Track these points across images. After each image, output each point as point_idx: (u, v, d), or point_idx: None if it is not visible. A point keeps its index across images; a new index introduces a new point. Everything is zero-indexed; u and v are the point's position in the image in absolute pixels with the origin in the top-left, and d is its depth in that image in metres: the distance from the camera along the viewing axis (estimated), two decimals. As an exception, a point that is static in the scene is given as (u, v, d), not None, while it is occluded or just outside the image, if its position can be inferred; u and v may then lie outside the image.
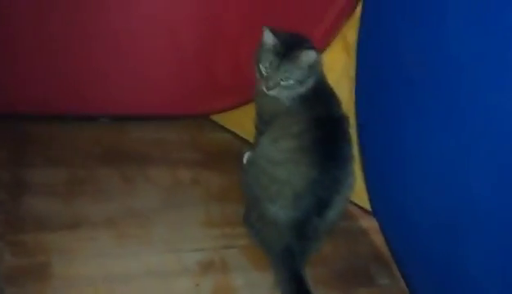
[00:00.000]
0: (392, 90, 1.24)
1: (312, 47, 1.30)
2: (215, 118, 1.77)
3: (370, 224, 1.54)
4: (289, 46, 1.29)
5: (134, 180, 1.51)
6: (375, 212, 1.46)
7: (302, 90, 1.32)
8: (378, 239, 1.49)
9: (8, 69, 1.43)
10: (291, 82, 1.30)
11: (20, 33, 1.38)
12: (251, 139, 1.54)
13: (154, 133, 1.70)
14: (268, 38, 1.30)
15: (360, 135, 1.41)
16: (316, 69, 1.33)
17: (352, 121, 1.40)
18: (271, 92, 1.31)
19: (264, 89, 1.31)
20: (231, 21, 1.46)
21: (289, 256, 1.30)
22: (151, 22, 1.43)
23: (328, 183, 1.30)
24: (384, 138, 1.31)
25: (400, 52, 1.19)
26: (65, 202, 1.39)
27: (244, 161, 1.53)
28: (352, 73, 1.40)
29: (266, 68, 1.30)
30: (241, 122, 1.68)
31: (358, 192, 1.44)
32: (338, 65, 1.51)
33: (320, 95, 1.36)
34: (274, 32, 1.29)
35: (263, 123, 1.42)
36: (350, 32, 1.45)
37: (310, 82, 1.32)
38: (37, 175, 1.44)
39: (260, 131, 1.43)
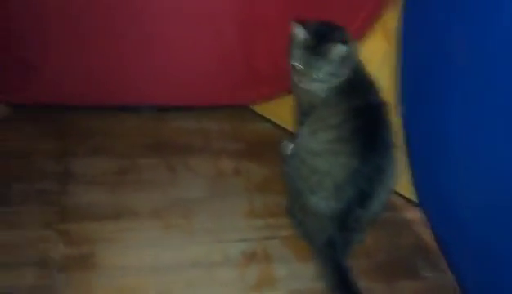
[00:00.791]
0: (439, 78, 1.21)
1: (343, 40, 1.27)
2: (255, 108, 1.77)
3: (414, 215, 1.51)
4: (320, 40, 1.27)
5: (177, 169, 1.53)
6: (420, 203, 1.43)
7: (336, 81, 1.30)
8: (422, 231, 1.47)
9: (53, 62, 1.46)
10: (323, 75, 1.28)
11: (61, 23, 1.40)
12: (291, 129, 1.53)
13: (196, 123, 1.71)
14: (298, 32, 1.28)
15: (405, 125, 1.38)
16: (349, 59, 1.30)
17: (394, 109, 1.37)
18: (304, 86, 1.31)
19: (297, 83, 1.31)
20: (270, 11, 1.45)
21: (331, 248, 1.29)
22: (193, 12, 1.44)
23: (370, 173, 1.28)
24: (430, 127, 1.28)
25: (446, 39, 1.16)
26: (109, 192, 1.43)
27: (283, 151, 1.52)
28: (393, 61, 1.38)
29: (297, 62, 1.29)
30: (281, 112, 1.67)
31: (402, 182, 1.42)
32: (378, 54, 1.48)
33: (357, 84, 1.33)
34: (304, 25, 1.27)
35: (302, 114, 1.41)
36: (390, 19, 1.42)
37: (344, 73, 1.30)
38: (82, 165, 1.48)
39: (300, 122, 1.42)
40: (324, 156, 1.31)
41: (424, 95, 1.30)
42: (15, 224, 1.30)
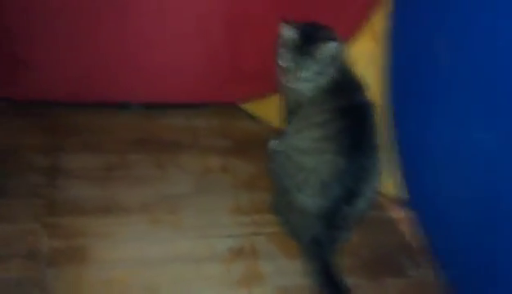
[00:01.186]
0: (428, 78, 1.23)
1: (331, 38, 1.29)
2: (244, 106, 1.78)
3: (399, 214, 1.54)
4: (308, 40, 1.28)
5: (165, 166, 1.54)
6: (411, 202, 1.44)
7: (322, 81, 1.32)
8: (407, 230, 1.49)
9: (40, 56, 1.46)
10: (310, 74, 1.30)
11: (54, 24, 1.40)
12: (278, 127, 1.55)
13: (185, 120, 1.72)
14: (287, 32, 1.30)
15: (396, 124, 1.40)
16: (336, 58, 1.32)
17: (379, 109, 1.39)
18: (292, 85, 1.32)
19: (284, 82, 1.33)
20: (257, 9, 1.45)
21: (317, 245, 1.31)
22: (180, 11, 1.44)
23: (355, 171, 1.29)
24: (421, 126, 1.30)
25: (433, 39, 1.18)
26: (98, 187, 1.43)
27: (270, 149, 1.53)
28: (380, 61, 1.39)
29: (285, 62, 1.31)
30: (269, 110, 1.69)
31: (388, 181, 1.43)
32: (365, 54, 1.50)
33: (344, 85, 1.35)
34: (292, 25, 1.29)
35: (290, 113, 1.42)
36: (378, 19, 1.44)
37: (331, 73, 1.32)
38: (72, 161, 1.48)
39: (287, 120, 1.44)
40: (310, 154, 1.33)
41: (413, 95, 1.31)
42: (4, 218, 1.29)
